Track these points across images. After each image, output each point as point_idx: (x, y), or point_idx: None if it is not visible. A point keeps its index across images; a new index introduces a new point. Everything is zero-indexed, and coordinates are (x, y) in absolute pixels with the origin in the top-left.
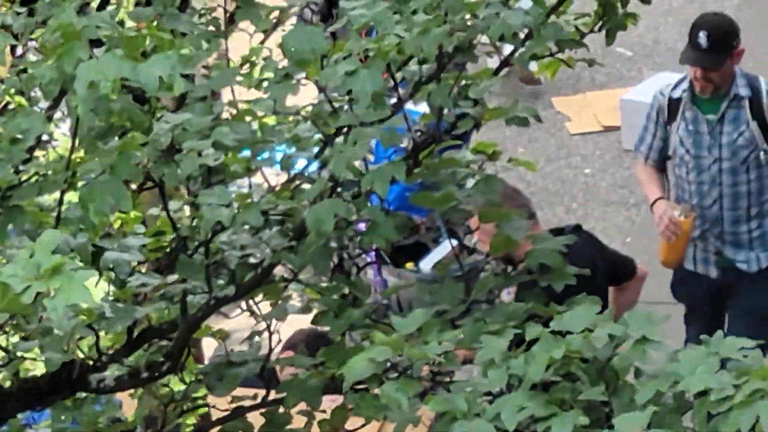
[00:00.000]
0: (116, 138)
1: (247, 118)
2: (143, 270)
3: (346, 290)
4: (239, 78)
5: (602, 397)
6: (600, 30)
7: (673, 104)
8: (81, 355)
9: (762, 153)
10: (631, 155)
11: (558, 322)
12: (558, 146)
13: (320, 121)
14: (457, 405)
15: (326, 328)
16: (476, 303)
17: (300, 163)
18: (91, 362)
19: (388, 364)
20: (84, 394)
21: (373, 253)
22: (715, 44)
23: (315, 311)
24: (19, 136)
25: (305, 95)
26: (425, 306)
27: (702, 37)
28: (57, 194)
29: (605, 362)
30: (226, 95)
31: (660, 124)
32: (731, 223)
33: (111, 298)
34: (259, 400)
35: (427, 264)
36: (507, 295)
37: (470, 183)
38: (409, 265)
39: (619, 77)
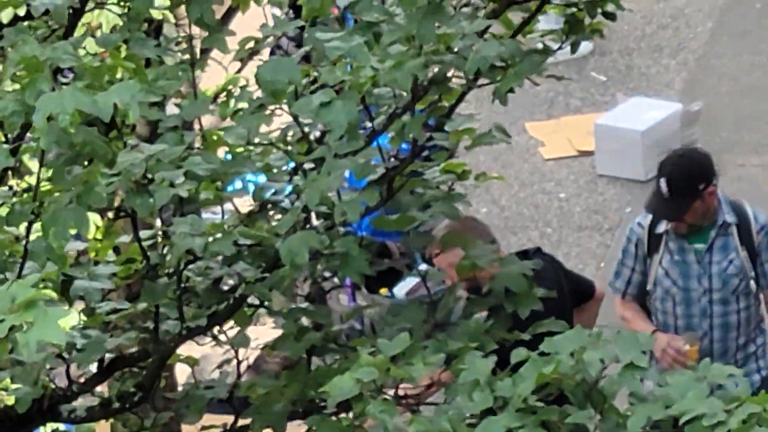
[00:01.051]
0: (82, 166)
1: (220, 148)
2: (114, 298)
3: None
4: (211, 107)
5: (589, 422)
6: (565, 45)
7: (654, 237)
8: (52, 386)
9: (751, 281)
10: (605, 180)
11: (547, 344)
12: (532, 171)
13: (292, 151)
14: (442, 427)
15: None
16: (440, 326)
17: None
18: (61, 392)
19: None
20: (55, 425)
21: (347, 279)
22: (678, 192)
23: None
24: None
25: (278, 124)
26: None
27: (663, 185)
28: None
29: (593, 385)
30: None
31: (639, 257)
32: (720, 356)
33: (81, 325)
34: (228, 427)
35: (401, 290)
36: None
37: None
38: (383, 290)
39: (593, 102)
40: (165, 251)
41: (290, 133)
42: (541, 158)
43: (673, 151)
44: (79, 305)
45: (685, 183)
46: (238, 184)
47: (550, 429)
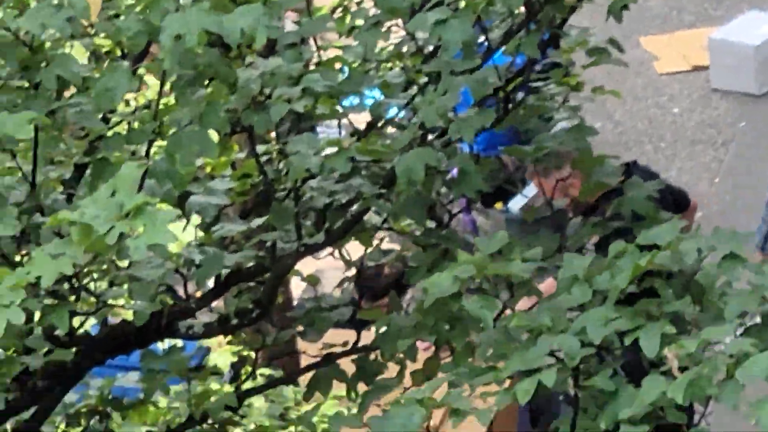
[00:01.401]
0: (204, 87)
1: (337, 65)
2: (230, 213)
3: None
4: (329, 25)
5: (688, 309)
6: None
7: None
8: (170, 302)
9: None
10: (719, 95)
11: (643, 236)
12: (645, 85)
13: (409, 67)
14: (542, 320)
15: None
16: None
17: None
18: (178, 308)
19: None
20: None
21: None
22: None
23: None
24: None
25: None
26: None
27: None
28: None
29: (691, 276)
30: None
31: None
32: None
33: (198, 241)
34: (350, 346)
35: (516, 204)
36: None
37: (558, 125)
38: (498, 204)
39: (707, 16)
40: (281, 166)
41: (404, 48)
42: (655, 72)
43: None
44: (195, 221)
45: None
46: (355, 100)
47: (649, 318)
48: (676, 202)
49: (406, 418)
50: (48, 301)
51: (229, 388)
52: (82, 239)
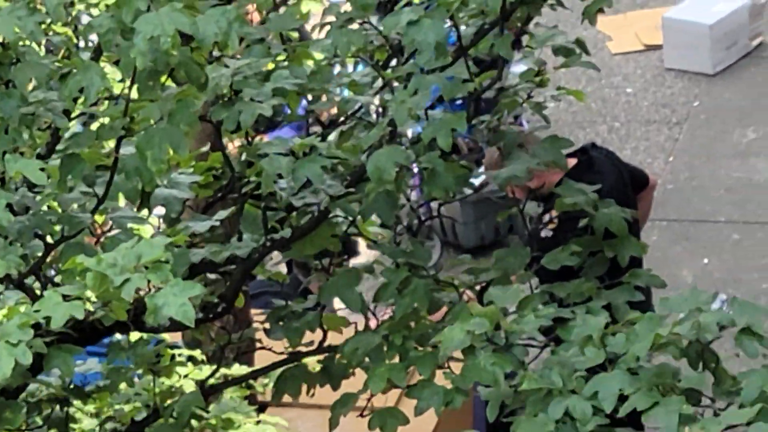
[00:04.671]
0: (168, 79)
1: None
2: (192, 206)
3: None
4: (297, 20)
5: (702, 386)
6: None
7: None
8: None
9: None
10: (673, 74)
11: (663, 304)
12: (599, 66)
13: (376, 63)
14: (553, 381)
15: None
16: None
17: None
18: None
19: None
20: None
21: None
22: None
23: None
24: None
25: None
26: (469, 228)
27: None
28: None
29: (705, 345)
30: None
31: None
32: None
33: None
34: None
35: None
36: (545, 231)
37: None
38: None
39: None
40: (244, 158)
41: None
42: (609, 53)
43: None
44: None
45: None
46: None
47: (663, 391)
48: (634, 181)
49: None
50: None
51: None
52: (96, 287)
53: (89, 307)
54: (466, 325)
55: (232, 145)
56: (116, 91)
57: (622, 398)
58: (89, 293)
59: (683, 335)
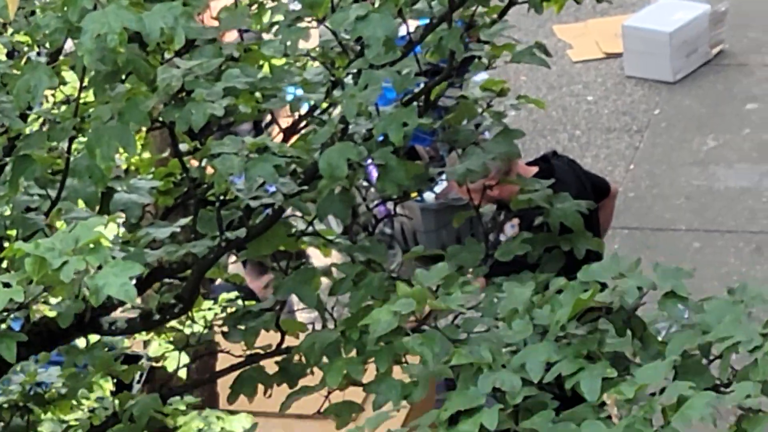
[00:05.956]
0: (122, 81)
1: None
2: (152, 211)
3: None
4: (248, 20)
5: (629, 349)
6: None
7: None
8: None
9: None
10: (633, 82)
11: (585, 273)
12: (560, 74)
13: (329, 63)
14: (482, 356)
15: None
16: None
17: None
18: (101, 305)
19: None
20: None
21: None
22: None
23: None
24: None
25: (314, 39)
26: (431, 237)
27: None
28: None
29: (632, 312)
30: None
31: None
32: None
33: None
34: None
35: (430, 194)
36: (511, 228)
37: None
38: (413, 194)
39: (620, 3)
40: (203, 163)
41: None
42: (569, 61)
43: None
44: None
45: None
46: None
47: (590, 358)
48: (596, 188)
49: None
50: None
51: None
52: (35, 272)
53: (46, 311)
54: (393, 306)
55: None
56: (76, 93)
57: (550, 368)
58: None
59: (604, 301)
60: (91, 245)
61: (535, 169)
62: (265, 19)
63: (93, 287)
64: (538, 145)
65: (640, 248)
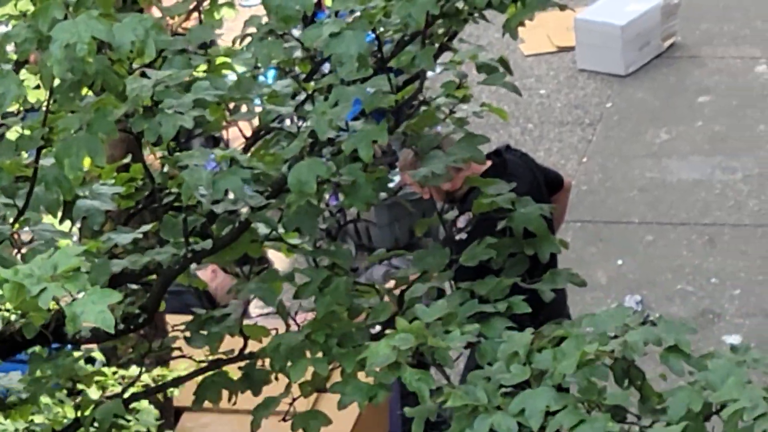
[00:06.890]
0: (89, 90)
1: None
2: (113, 217)
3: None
4: (218, 32)
5: (628, 403)
6: None
7: None
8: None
9: None
10: (585, 75)
11: (589, 320)
12: (512, 67)
13: (291, 67)
14: (478, 397)
15: None
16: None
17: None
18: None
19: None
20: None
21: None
22: None
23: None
24: None
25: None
26: (384, 231)
27: None
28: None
29: (632, 362)
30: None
31: None
32: None
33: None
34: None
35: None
36: (463, 222)
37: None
38: None
39: None
40: (166, 169)
41: (295, 54)
42: (521, 54)
43: None
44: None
45: None
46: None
47: (589, 408)
48: (549, 182)
49: None
50: None
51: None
52: (13, 298)
53: (8, 317)
54: (392, 340)
55: (154, 156)
56: (42, 101)
57: (549, 416)
58: (8, 305)
59: (609, 353)
60: (70, 272)
61: (487, 164)
62: (217, 15)
63: (71, 315)
64: (491, 138)
65: (593, 241)
